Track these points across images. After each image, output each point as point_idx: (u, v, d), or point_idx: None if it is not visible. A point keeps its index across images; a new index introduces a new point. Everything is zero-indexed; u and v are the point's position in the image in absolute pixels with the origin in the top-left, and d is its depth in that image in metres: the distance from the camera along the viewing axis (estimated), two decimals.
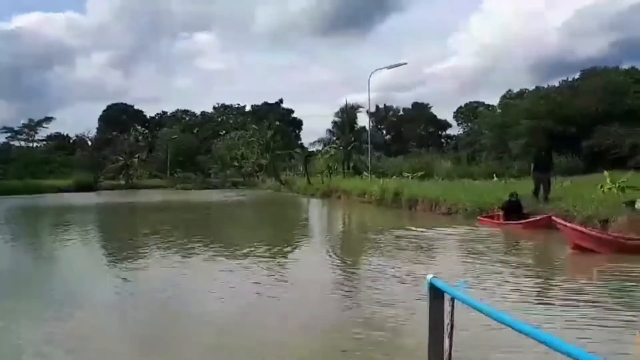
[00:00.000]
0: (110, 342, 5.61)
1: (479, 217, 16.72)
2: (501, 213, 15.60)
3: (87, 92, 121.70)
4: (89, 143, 73.35)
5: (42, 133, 73.18)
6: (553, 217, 12.08)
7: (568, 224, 11.09)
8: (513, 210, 15.26)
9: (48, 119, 71.63)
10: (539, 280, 8.51)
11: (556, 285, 8.18)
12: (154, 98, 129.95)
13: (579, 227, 10.99)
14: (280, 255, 11.46)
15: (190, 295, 7.99)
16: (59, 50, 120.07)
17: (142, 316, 6.77)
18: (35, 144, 72.82)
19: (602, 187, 17.10)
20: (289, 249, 12.62)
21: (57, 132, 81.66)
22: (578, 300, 6.94)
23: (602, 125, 50.18)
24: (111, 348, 5.38)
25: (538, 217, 14.39)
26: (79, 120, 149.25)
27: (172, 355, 5.18)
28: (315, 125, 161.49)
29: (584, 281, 8.45)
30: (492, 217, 16.17)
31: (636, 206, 12.53)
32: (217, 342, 5.50)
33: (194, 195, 45.30)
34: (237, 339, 5.58)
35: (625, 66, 60.64)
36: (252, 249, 11.86)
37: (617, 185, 16.41)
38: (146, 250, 12.56)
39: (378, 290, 7.65)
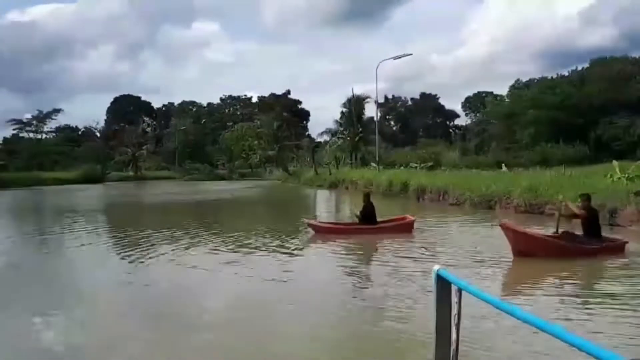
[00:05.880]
0: None
1: (306, 221, 13.40)
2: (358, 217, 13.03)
3: (95, 83, 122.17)
4: (97, 135, 73.60)
5: (51, 125, 72.99)
6: (503, 222, 9.27)
7: (514, 228, 9.06)
8: (369, 214, 12.94)
9: (57, 111, 71.21)
10: None
11: None
12: (160, 89, 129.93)
13: (532, 232, 9.53)
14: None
15: None
16: (68, 41, 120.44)
17: None
18: (44, 136, 72.75)
19: (611, 176, 17.02)
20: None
21: (66, 124, 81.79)
22: None
23: (609, 114, 49.66)
24: None
25: (402, 222, 12.82)
26: (88, 112, 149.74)
27: None
28: (323, 116, 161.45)
29: None
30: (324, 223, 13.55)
31: None
32: None
33: (203, 186, 45.28)
34: None
35: (635, 55, 59.77)
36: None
37: (626, 175, 16.31)
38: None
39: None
